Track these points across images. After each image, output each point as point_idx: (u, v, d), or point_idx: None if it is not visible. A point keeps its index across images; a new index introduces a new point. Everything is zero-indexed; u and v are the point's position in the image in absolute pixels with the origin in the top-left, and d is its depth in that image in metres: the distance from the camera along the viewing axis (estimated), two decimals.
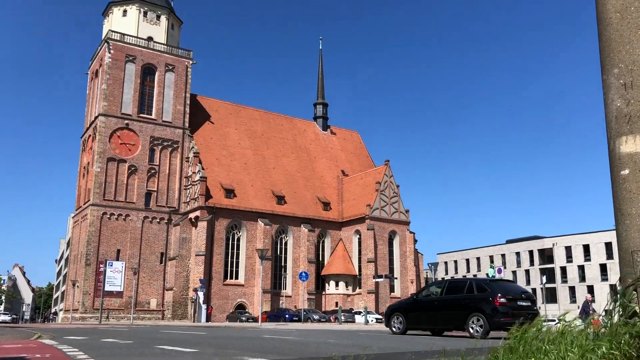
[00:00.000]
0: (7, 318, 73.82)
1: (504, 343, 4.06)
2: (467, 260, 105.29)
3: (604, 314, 3.50)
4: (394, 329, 17.62)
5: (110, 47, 61.42)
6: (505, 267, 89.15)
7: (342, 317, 45.77)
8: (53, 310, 72.11)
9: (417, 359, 8.11)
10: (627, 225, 3.48)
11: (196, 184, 60.35)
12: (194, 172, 61.67)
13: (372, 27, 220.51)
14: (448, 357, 4.73)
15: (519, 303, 15.82)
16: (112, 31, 62.76)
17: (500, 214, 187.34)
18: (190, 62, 66.66)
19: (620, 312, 3.37)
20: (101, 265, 55.70)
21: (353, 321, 48.55)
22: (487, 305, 15.43)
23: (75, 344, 13.38)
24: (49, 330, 23.96)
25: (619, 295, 3.39)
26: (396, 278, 65.25)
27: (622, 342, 3.10)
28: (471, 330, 15.44)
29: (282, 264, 64.27)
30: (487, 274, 54.17)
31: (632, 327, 3.14)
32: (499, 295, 15.54)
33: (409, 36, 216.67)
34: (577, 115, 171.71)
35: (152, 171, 61.94)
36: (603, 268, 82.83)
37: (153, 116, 63.05)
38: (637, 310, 3.33)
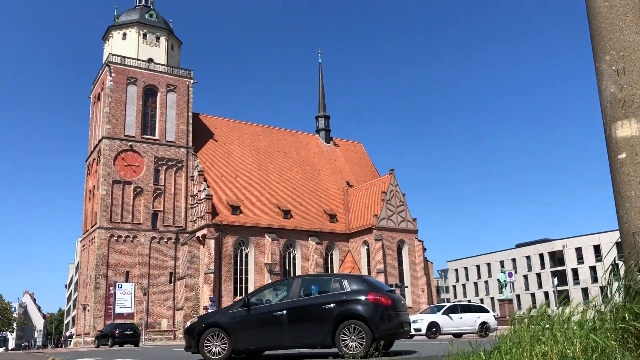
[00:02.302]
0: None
1: (510, 330, 4.11)
2: (478, 267, 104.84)
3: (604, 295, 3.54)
4: (209, 354, 11.43)
5: (112, 70, 61.98)
6: (516, 272, 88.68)
7: None
8: (68, 333, 71.83)
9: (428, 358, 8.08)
10: (627, 207, 3.53)
11: (202, 202, 60.51)
12: (199, 191, 61.85)
13: (370, 37, 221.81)
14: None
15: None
16: (113, 54, 63.38)
17: (509, 218, 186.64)
18: (191, 81, 67.17)
19: (622, 293, 3.42)
20: (111, 288, 55.75)
21: None
22: (367, 308, 10.89)
23: None
24: (61, 354, 23.96)
25: (620, 276, 3.43)
26: (407, 287, 64.97)
27: (624, 319, 3.14)
28: (344, 347, 10.57)
29: None
30: (498, 280, 53.84)
31: (633, 304, 3.19)
32: (381, 292, 11.38)
33: (408, 45, 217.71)
34: (582, 115, 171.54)
35: (158, 191, 62.16)
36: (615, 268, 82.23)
37: (156, 137, 63.40)
38: None
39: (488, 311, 27.67)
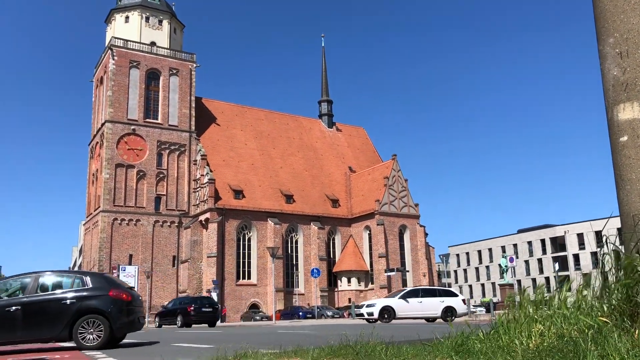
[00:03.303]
0: None
1: (503, 312, 4.17)
2: (479, 252, 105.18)
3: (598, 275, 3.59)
4: None
5: (114, 53, 61.81)
6: (517, 257, 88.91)
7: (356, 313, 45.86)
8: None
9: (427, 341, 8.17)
10: (628, 190, 3.56)
11: (205, 187, 60.68)
12: (202, 175, 62.00)
13: (373, 22, 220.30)
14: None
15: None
16: (115, 38, 63.16)
17: (511, 203, 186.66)
18: (194, 65, 66.98)
19: (614, 273, 3.47)
20: (114, 271, 56.07)
21: None
22: (107, 303, 11.38)
23: None
24: None
25: (612, 256, 3.47)
26: (408, 271, 65.31)
27: (615, 296, 3.19)
28: (82, 340, 11.02)
29: (294, 263, 64.50)
30: (499, 265, 54.07)
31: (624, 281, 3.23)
32: (122, 289, 11.88)
33: (412, 30, 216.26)
34: (584, 102, 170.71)
35: (161, 175, 62.31)
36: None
37: (159, 121, 63.40)
38: None
39: (456, 295, 27.05)
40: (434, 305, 25.68)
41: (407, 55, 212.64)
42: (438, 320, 25.65)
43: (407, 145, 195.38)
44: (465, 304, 26.54)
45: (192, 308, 30.94)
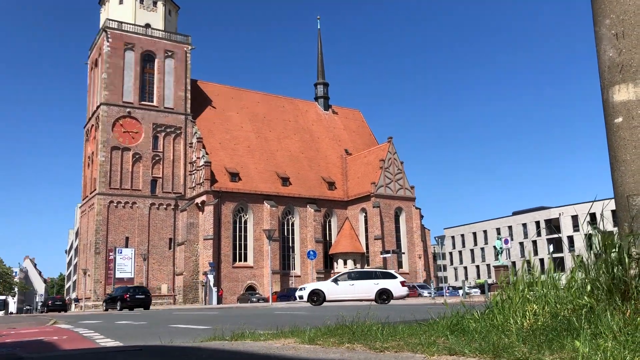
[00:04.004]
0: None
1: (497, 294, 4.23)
2: (474, 234, 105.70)
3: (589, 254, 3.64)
4: None
5: (109, 35, 61.22)
6: (512, 239, 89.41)
7: None
8: (74, 296, 72.54)
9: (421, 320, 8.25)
10: (622, 171, 3.58)
11: (201, 169, 60.59)
12: (198, 157, 61.87)
13: (369, 4, 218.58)
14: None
15: None
16: (110, 19, 62.50)
17: (506, 186, 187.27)
18: (189, 47, 66.43)
19: (597, 252, 3.51)
20: (111, 253, 56.25)
21: None
22: None
23: (90, 326, 13.67)
24: (63, 317, 24.36)
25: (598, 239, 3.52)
26: (403, 253, 65.64)
27: (604, 275, 3.24)
28: None
29: (290, 245, 64.71)
30: (494, 247, 54.46)
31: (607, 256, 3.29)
32: None
33: (408, 12, 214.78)
34: (579, 83, 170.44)
35: (157, 158, 62.15)
36: None
37: (155, 103, 63.06)
38: (634, 254, 3.44)
39: (394, 277, 26.87)
40: (367, 288, 25.89)
41: (403, 37, 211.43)
42: (405, 300, 26.46)
43: (403, 128, 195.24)
44: (403, 285, 26.36)
45: (127, 295, 37.57)
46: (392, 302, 25.42)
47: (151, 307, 39.36)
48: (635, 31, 3.56)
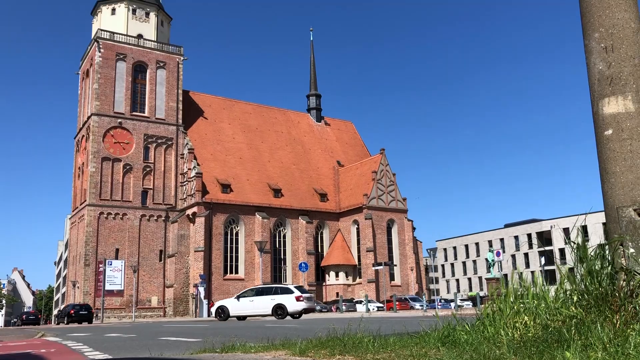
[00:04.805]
0: None
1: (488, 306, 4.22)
2: (466, 246, 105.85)
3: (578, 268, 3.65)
4: None
5: (100, 46, 61.17)
6: (504, 251, 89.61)
7: (343, 307, 46.02)
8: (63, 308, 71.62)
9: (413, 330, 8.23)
10: (612, 183, 3.61)
11: (192, 180, 60.40)
12: (189, 169, 61.68)
13: (362, 16, 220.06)
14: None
15: None
16: (102, 30, 62.48)
17: (498, 198, 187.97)
18: (181, 58, 66.48)
19: (584, 264, 3.52)
20: (100, 265, 55.68)
21: (354, 310, 48.85)
22: None
23: (79, 339, 13.49)
24: (52, 330, 24.08)
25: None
26: (395, 265, 65.57)
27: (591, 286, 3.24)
28: None
29: (282, 257, 64.48)
30: (486, 259, 54.54)
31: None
32: None
33: (401, 24, 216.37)
34: (571, 95, 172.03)
35: (148, 169, 61.90)
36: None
37: (146, 114, 62.92)
38: (623, 265, 3.46)
39: (291, 292, 27.46)
40: (264, 304, 27.09)
41: (396, 50, 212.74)
42: (364, 314, 27.13)
43: (395, 140, 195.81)
44: (299, 300, 26.81)
45: (73, 311, 44.64)
46: (352, 314, 26.03)
47: (141, 319, 40.92)
48: (624, 44, 3.60)
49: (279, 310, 26.51)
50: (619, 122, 3.60)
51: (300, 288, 28.55)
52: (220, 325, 20.64)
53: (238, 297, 28.01)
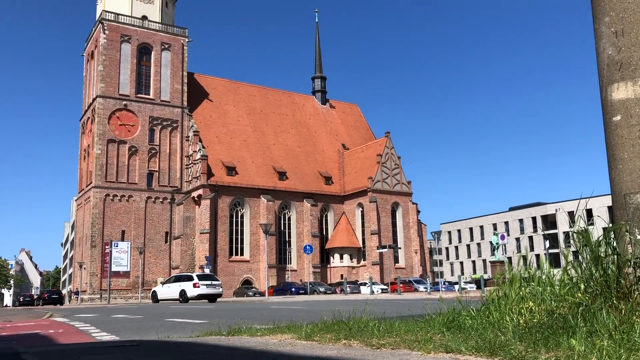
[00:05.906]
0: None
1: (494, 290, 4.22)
2: (471, 229, 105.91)
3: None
4: None
5: (105, 27, 60.90)
6: (508, 234, 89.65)
7: (348, 289, 46.22)
8: (73, 289, 72.18)
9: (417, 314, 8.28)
10: (620, 169, 3.58)
11: (197, 163, 60.47)
12: (194, 151, 61.72)
13: None
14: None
15: None
16: (106, 11, 62.14)
17: (503, 181, 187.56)
18: (186, 40, 66.13)
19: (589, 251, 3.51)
20: (107, 247, 56.11)
21: (359, 292, 49.07)
22: None
23: (86, 320, 13.65)
24: (59, 310, 24.34)
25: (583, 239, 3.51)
26: (400, 248, 65.74)
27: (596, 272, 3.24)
28: None
29: (287, 239, 64.71)
30: (490, 242, 54.56)
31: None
32: None
33: (407, 6, 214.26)
34: (578, 80, 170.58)
35: (153, 151, 61.97)
36: None
37: (151, 96, 62.82)
38: (630, 251, 3.44)
39: (191, 280, 31.27)
40: (174, 290, 31.74)
41: (402, 32, 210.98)
42: (390, 296, 30.32)
43: (400, 123, 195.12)
44: (195, 287, 30.46)
45: (46, 295, 56.34)
46: (356, 296, 32.16)
47: (147, 301, 42.31)
48: (635, 29, 3.55)
49: (183, 295, 30.57)
50: (627, 108, 3.56)
51: (205, 276, 32.50)
52: (226, 306, 20.83)
53: (163, 284, 33.42)
